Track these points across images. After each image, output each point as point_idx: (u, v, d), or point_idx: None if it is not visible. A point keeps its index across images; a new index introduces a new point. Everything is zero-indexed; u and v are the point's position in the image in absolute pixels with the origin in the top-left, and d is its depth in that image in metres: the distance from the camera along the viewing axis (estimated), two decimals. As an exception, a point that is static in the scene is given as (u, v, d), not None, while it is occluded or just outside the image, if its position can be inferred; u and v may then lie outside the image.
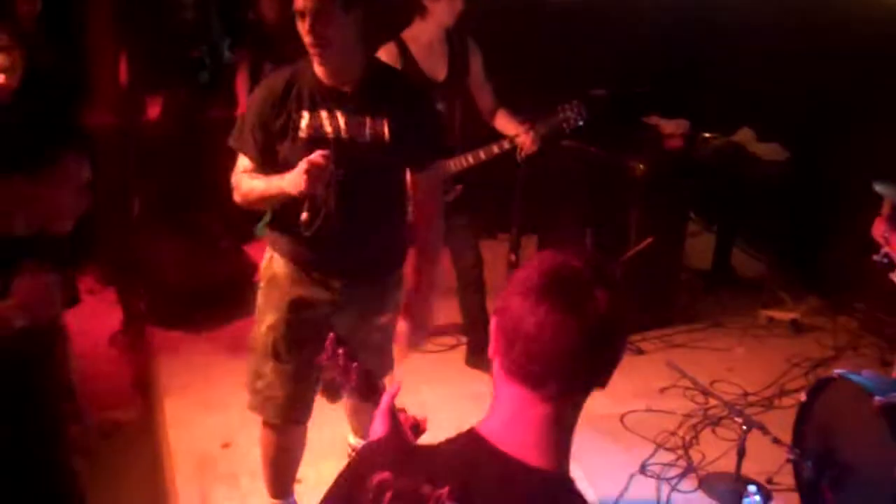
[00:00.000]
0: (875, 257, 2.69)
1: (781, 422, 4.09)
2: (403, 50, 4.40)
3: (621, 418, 4.61)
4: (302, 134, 3.04)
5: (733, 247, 6.49)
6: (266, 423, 3.42)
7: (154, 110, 6.13)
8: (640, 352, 5.29)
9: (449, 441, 1.58)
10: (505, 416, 1.54)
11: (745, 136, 6.33)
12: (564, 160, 5.77)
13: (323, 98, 3.05)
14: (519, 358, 1.50)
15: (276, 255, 3.28)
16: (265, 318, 3.29)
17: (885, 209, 4.53)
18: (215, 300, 5.44)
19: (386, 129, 3.07)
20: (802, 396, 3.92)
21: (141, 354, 5.08)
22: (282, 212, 3.20)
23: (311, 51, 2.98)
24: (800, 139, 6.19)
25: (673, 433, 4.49)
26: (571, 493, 1.52)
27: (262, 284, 3.35)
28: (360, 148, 3.06)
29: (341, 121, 3.05)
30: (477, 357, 4.95)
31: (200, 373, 4.89)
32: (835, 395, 3.80)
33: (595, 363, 1.54)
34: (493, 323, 1.56)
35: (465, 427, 1.60)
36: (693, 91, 6.80)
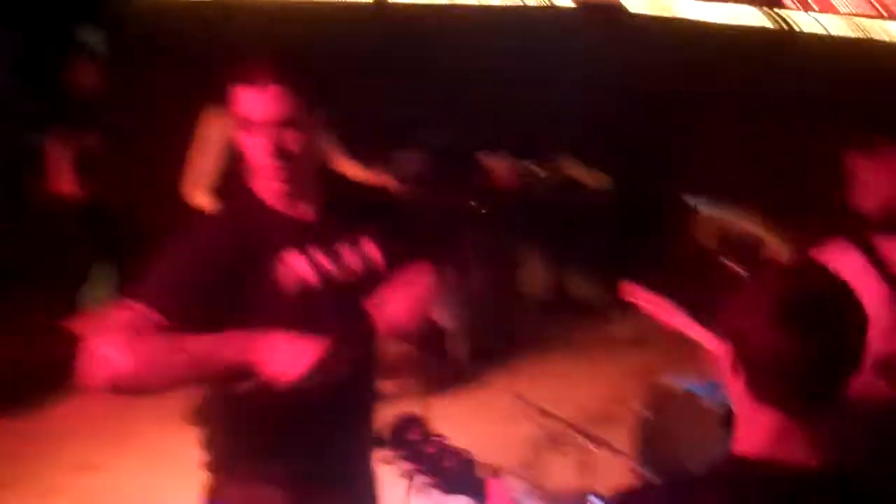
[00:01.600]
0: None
1: (623, 435, 4.17)
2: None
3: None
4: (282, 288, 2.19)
5: (564, 270, 6.64)
6: None
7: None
8: (484, 383, 5.31)
9: None
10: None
11: (567, 163, 6.52)
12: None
13: (289, 235, 2.22)
14: None
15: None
16: None
17: (699, 224, 4.75)
18: (38, 381, 5.12)
19: (377, 251, 2.32)
20: (641, 408, 4.01)
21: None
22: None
23: (268, 177, 2.17)
24: (620, 165, 6.42)
25: (519, 459, 4.50)
26: None
27: None
28: (349, 287, 2.25)
29: (321, 258, 2.24)
30: None
31: (34, 458, 4.63)
32: (672, 404, 3.91)
33: None
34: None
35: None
36: (512, 125, 6.96)
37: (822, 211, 2.94)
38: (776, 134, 5.35)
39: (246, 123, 2.12)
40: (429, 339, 5.34)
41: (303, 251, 2.20)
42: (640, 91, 5.91)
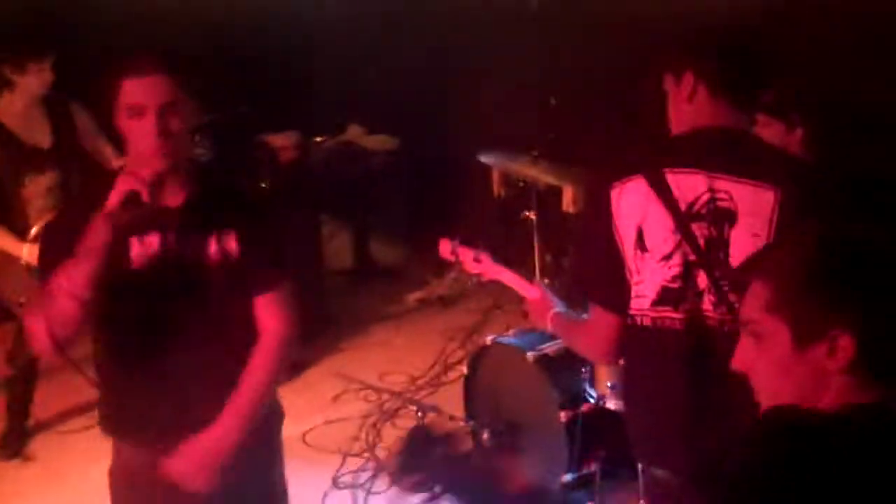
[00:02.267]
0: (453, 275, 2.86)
1: (452, 397, 4.24)
2: None
3: (303, 437, 4.57)
4: (128, 265, 2.47)
5: (370, 240, 6.65)
6: None
7: None
8: (304, 365, 5.27)
9: None
10: None
11: (354, 132, 6.50)
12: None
13: (148, 220, 2.46)
14: None
15: (123, 446, 2.64)
16: None
17: (495, 178, 4.86)
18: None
19: (235, 244, 2.55)
20: (464, 369, 4.09)
21: None
22: (109, 378, 2.62)
23: (151, 157, 2.41)
24: (404, 126, 6.46)
25: (356, 438, 4.52)
26: None
27: (115, 483, 2.68)
28: (204, 270, 2.52)
29: (176, 243, 2.50)
30: None
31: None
32: (492, 360, 4.01)
33: None
34: None
35: None
36: (295, 100, 6.85)
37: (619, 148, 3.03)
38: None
39: (133, 110, 2.41)
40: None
41: (163, 235, 2.50)
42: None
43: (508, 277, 2.72)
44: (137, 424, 2.59)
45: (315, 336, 5.58)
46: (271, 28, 6.83)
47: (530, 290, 2.72)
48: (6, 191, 4.24)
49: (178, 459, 2.51)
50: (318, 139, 6.42)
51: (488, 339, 4.01)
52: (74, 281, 2.32)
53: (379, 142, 6.46)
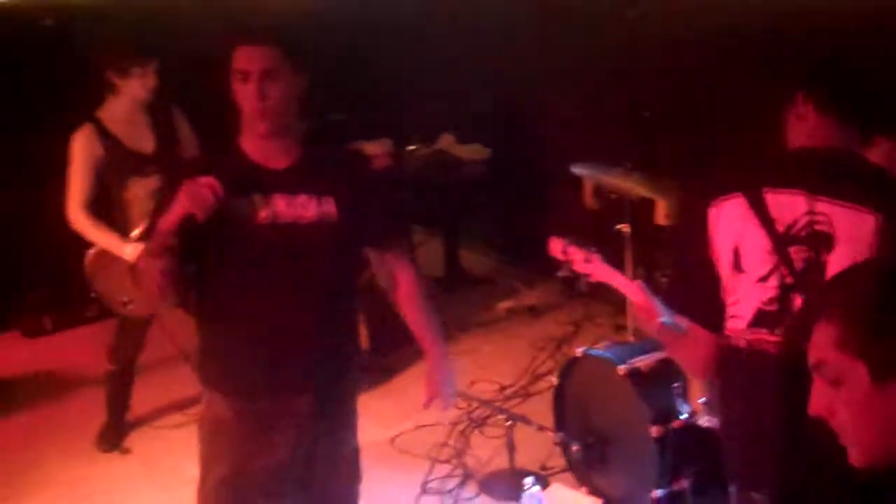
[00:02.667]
0: (560, 274, 2.85)
1: (541, 407, 4.24)
2: (102, 130, 4.31)
3: (391, 441, 4.63)
4: (230, 224, 2.67)
5: (459, 248, 6.69)
6: None
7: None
8: (394, 370, 5.33)
9: None
10: None
11: (446, 141, 6.55)
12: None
13: (255, 180, 2.71)
14: None
15: (215, 396, 2.84)
16: (213, 469, 2.84)
17: (587, 190, 4.84)
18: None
19: (334, 207, 2.73)
20: (554, 379, 4.09)
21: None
22: (209, 331, 2.83)
23: (253, 118, 2.68)
24: (496, 136, 6.49)
25: (444, 444, 4.55)
26: None
27: (202, 431, 2.91)
28: (303, 231, 2.71)
29: (280, 203, 2.70)
30: None
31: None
32: (583, 371, 4.00)
33: None
34: None
35: None
36: (389, 108, 6.94)
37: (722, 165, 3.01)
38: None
39: (240, 75, 2.65)
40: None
41: (267, 196, 2.68)
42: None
43: (618, 280, 2.70)
44: (233, 377, 2.79)
45: (404, 342, 5.64)
46: (364, 35, 6.92)
47: (637, 295, 2.70)
48: (110, 193, 4.37)
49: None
50: (411, 147, 6.50)
51: (579, 351, 4.00)
52: (168, 228, 2.58)
53: (471, 151, 6.50)
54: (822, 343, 1.49)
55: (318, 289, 2.76)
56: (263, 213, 2.68)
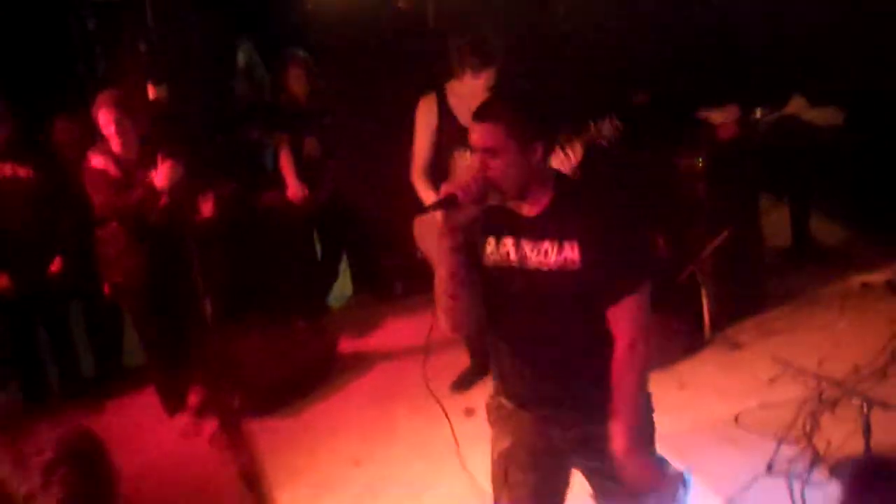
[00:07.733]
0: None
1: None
2: (442, 101, 4.75)
3: (735, 419, 4.47)
4: (486, 262, 2.89)
5: (810, 218, 6.32)
6: None
7: (206, 207, 6.07)
8: (738, 346, 5.15)
9: None
10: None
11: (797, 105, 6.17)
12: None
13: (506, 225, 2.87)
14: None
15: (499, 390, 3.11)
16: (497, 445, 3.10)
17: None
18: (303, 383, 5.49)
19: (577, 255, 2.78)
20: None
21: (243, 450, 5.08)
22: (489, 343, 3.08)
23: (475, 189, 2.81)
24: (854, 98, 6.03)
25: (792, 425, 4.32)
26: None
27: (490, 415, 3.16)
28: (546, 277, 2.81)
29: (526, 248, 2.84)
30: None
31: (305, 457, 4.89)
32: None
33: None
34: None
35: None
36: (735, 72, 6.65)
37: None
38: None
39: (471, 148, 2.82)
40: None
41: (517, 240, 2.84)
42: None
43: None
44: (508, 386, 3.04)
45: (749, 315, 5.44)
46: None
47: None
48: (440, 160, 4.78)
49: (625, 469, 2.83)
50: (758, 114, 6.19)
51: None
52: (449, 268, 2.83)
53: (824, 115, 6.07)
54: None
55: (566, 328, 2.86)
56: (514, 257, 2.84)
